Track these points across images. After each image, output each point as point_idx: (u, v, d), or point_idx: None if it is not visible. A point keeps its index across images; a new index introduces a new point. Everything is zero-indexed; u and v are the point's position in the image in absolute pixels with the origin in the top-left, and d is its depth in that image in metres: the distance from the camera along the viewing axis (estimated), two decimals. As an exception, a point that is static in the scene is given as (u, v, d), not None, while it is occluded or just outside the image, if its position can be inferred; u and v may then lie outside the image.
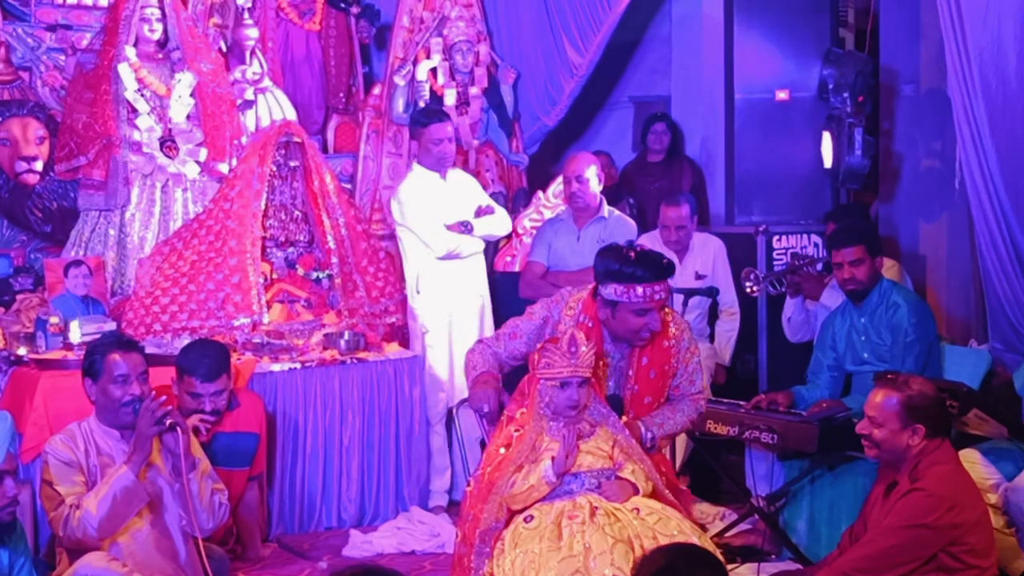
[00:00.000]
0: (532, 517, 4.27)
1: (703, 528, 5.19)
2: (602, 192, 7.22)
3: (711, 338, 7.18)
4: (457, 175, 7.11)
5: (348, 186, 8.08)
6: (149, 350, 5.94)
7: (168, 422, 4.49)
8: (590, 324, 4.70)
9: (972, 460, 5.13)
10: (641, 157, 8.94)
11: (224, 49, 8.18)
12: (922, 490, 4.19)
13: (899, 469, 4.33)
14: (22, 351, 6.22)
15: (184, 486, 4.56)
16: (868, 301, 5.65)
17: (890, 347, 5.53)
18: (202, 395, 5.50)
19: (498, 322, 6.55)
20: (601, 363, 4.66)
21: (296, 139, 6.90)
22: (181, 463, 4.57)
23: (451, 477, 6.84)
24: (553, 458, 4.32)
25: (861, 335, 5.65)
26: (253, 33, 8.12)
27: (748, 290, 6.65)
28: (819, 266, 6.61)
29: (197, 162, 7.32)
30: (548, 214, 7.83)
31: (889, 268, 6.45)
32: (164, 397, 4.57)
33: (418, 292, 6.87)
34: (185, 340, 6.05)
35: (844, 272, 5.68)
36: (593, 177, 7.13)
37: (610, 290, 4.59)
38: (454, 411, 6.55)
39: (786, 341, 6.95)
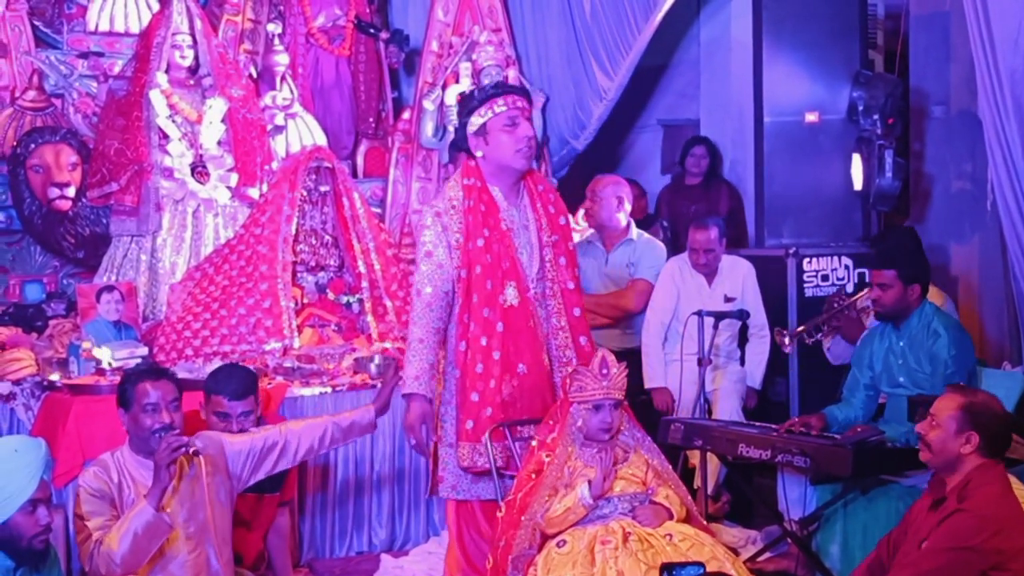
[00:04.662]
0: (565, 542, 4.27)
1: (736, 553, 5.17)
2: (634, 222, 7.25)
3: (742, 361, 7.16)
4: None
5: (378, 210, 8.10)
6: (181, 375, 5.95)
7: (191, 450, 4.49)
8: (478, 184, 4.84)
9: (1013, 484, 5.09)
10: (679, 180, 8.94)
11: (254, 75, 8.23)
12: (968, 511, 4.13)
13: (947, 482, 4.29)
14: (55, 376, 6.25)
15: (207, 513, 4.57)
16: (908, 324, 5.58)
17: (929, 376, 5.47)
18: (230, 415, 5.48)
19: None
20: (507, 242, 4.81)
21: (326, 164, 6.93)
22: (203, 492, 4.58)
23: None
24: (590, 481, 4.31)
25: (899, 358, 5.60)
26: (283, 59, 8.17)
27: (784, 348, 6.60)
28: (849, 311, 6.54)
29: (228, 187, 7.35)
30: (576, 238, 7.82)
31: (934, 298, 6.39)
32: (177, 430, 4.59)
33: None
34: (216, 364, 6.06)
35: (873, 292, 5.66)
36: (611, 197, 7.17)
37: (476, 120, 4.81)
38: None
39: (817, 364, 6.92)
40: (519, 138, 4.78)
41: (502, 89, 4.92)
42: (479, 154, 4.86)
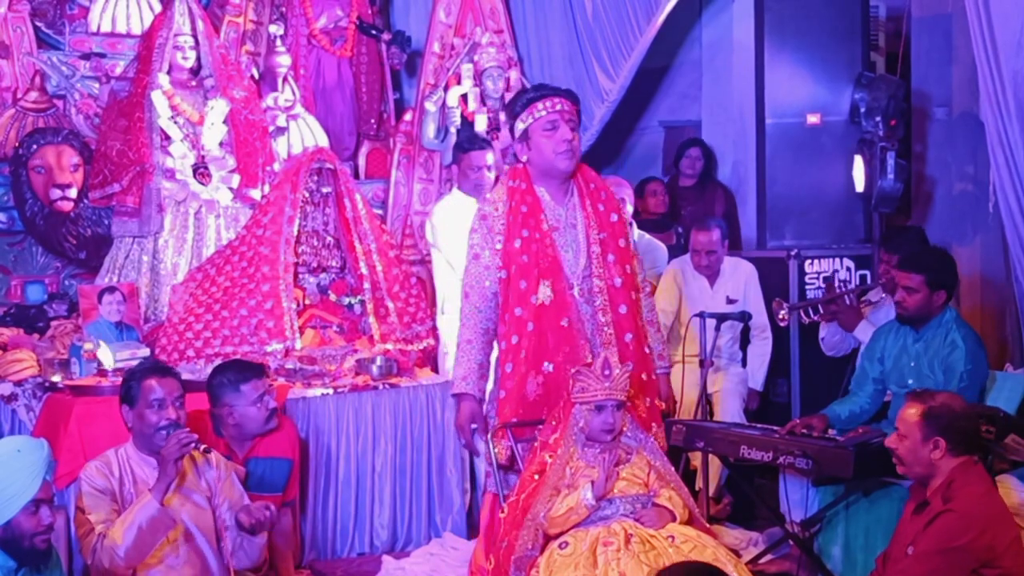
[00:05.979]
0: (567, 543, 4.27)
1: (737, 554, 5.17)
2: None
3: (743, 362, 7.15)
4: None
5: (379, 212, 8.10)
6: (182, 376, 5.97)
7: (203, 447, 4.50)
8: (523, 186, 4.88)
9: (1008, 486, 5.08)
10: (673, 181, 8.94)
11: (256, 76, 8.23)
12: (954, 511, 4.15)
13: (927, 486, 4.31)
14: (56, 377, 6.25)
15: (214, 515, 4.57)
16: (927, 328, 5.56)
17: (940, 385, 5.41)
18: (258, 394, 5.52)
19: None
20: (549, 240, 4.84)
21: (328, 165, 6.92)
22: (213, 489, 4.58)
23: (469, 500, 6.83)
24: (592, 482, 4.32)
25: (912, 360, 5.56)
26: (285, 60, 8.17)
27: (779, 320, 6.63)
28: (850, 298, 6.56)
29: (230, 189, 7.35)
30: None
31: None
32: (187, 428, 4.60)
33: (443, 312, 6.90)
34: (219, 363, 6.06)
35: (898, 294, 5.63)
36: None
37: (519, 126, 4.86)
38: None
39: (819, 365, 6.92)
40: (558, 142, 4.81)
41: (542, 92, 4.92)
42: (524, 158, 4.92)
